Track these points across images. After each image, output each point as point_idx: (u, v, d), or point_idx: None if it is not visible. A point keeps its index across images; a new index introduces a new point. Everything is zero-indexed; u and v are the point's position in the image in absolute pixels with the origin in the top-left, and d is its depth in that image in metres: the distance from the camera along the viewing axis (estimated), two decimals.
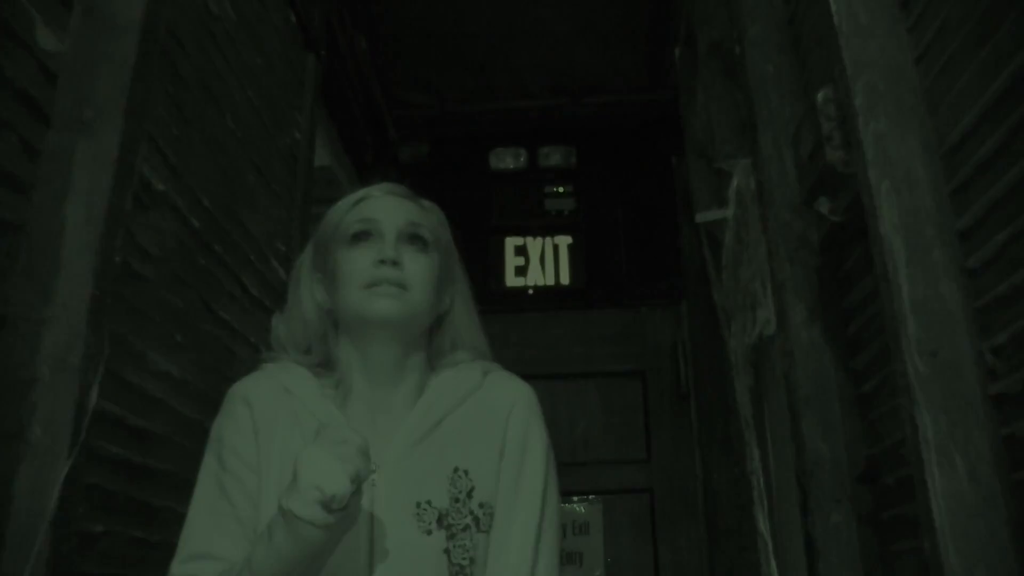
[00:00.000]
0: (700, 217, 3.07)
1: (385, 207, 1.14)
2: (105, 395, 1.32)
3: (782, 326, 1.81)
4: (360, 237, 1.12)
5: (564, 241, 3.92)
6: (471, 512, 1.06)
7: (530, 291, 3.86)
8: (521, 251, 3.90)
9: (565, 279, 3.87)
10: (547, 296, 3.86)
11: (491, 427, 1.11)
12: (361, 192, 1.17)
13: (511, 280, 3.87)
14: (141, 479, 1.51)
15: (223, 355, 1.92)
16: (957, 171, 1.23)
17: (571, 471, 3.25)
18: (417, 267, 1.11)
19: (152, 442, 1.56)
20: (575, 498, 3.54)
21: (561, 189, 4.00)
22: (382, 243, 1.11)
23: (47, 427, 1.17)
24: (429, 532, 1.03)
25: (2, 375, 1.18)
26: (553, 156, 4.06)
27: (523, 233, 3.93)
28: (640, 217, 3.93)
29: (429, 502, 1.05)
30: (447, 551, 1.03)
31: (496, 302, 3.66)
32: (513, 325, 3.60)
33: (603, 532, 3.51)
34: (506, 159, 4.07)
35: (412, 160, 4.11)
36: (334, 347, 1.13)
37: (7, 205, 1.22)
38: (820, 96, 1.49)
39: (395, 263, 1.09)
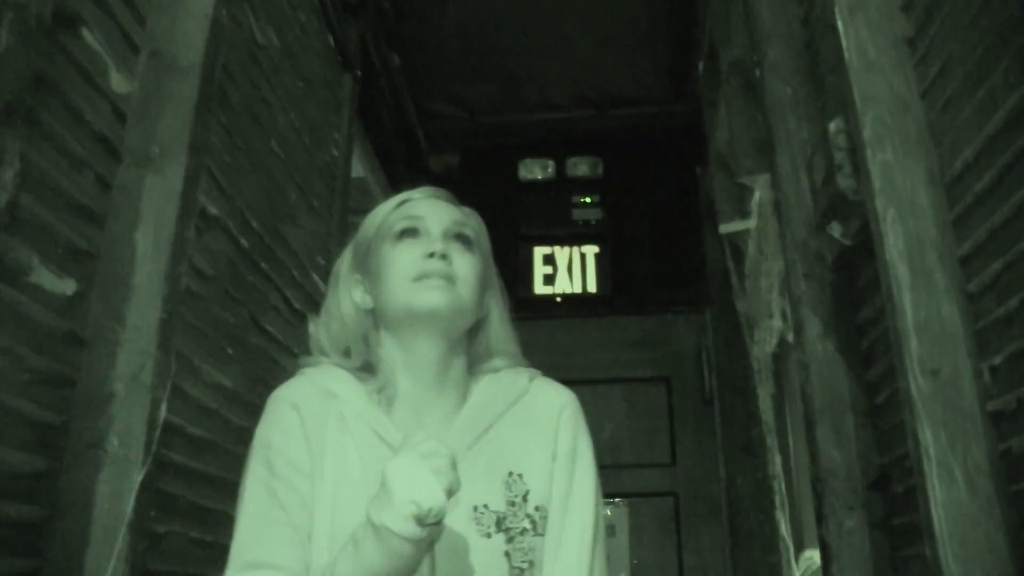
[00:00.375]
0: (723, 228, 3.14)
1: (430, 207, 1.15)
2: (168, 407, 1.42)
3: (798, 339, 1.87)
4: (406, 234, 1.12)
5: (591, 250, 3.97)
6: (528, 515, 1.05)
7: (558, 299, 3.92)
8: (549, 260, 3.96)
9: (592, 287, 3.92)
10: (575, 304, 3.92)
11: (542, 431, 1.11)
12: (403, 195, 1.18)
13: (539, 288, 3.93)
14: (197, 483, 1.62)
15: (269, 366, 2.02)
16: (959, 201, 1.29)
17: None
18: (464, 263, 1.11)
19: (206, 449, 1.66)
20: None
21: (588, 199, 4.04)
22: (429, 239, 1.10)
23: (123, 438, 1.27)
24: (489, 535, 1.03)
25: (83, 391, 1.28)
26: (580, 167, 4.11)
27: (551, 242, 3.99)
28: (665, 226, 3.98)
29: (486, 505, 1.04)
30: (507, 554, 1.03)
31: (525, 309, 3.73)
32: (541, 332, 3.64)
33: (628, 535, 3.56)
34: (534, 170, 4.13)
35: (443, 170, 4.19)
36: (376, 347, 1.12)
37: (84, 235, 1.33)
38: (832, 126, 1.55)
39: (444, 256, 1.08)
